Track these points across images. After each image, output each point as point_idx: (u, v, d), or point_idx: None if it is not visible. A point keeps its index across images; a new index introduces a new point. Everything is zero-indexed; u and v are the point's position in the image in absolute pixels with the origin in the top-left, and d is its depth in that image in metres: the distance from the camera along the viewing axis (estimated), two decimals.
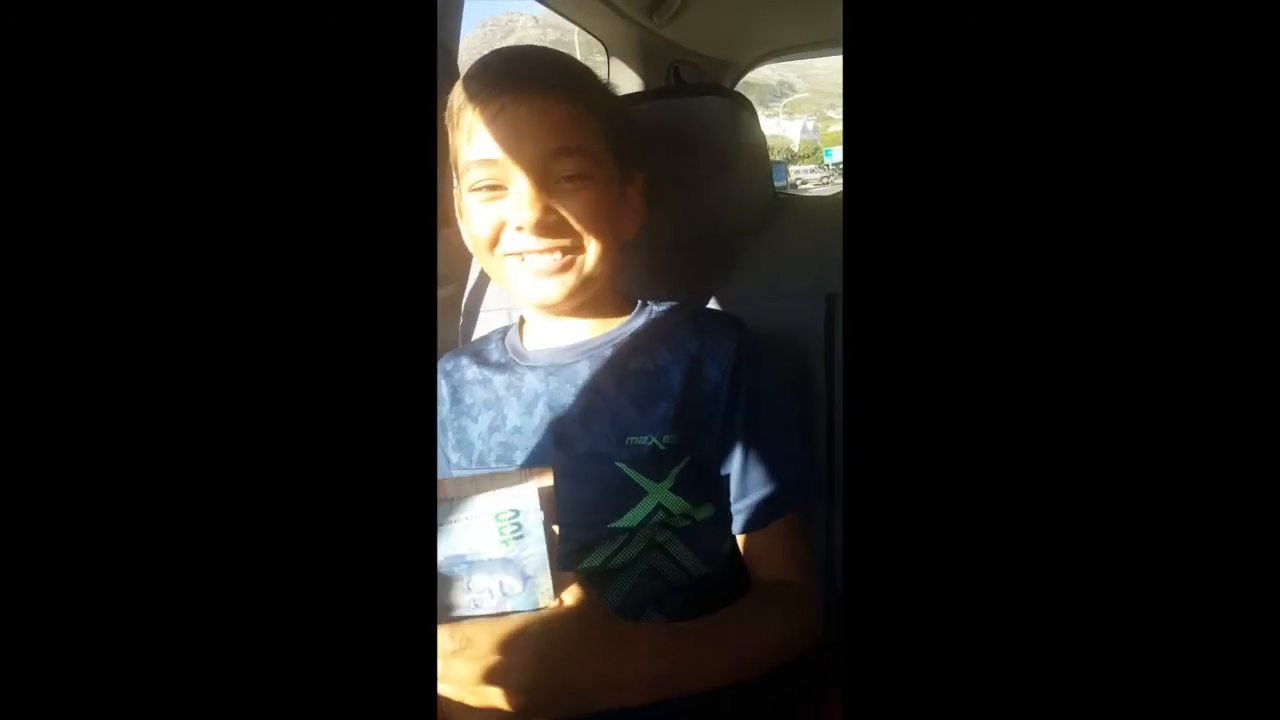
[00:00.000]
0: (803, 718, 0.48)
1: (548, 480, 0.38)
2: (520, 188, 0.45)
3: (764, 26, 1.42)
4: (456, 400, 0.54)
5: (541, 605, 0.37)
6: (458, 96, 0.47)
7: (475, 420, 0.53)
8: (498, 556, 0.36)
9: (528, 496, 0.37)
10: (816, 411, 0.58)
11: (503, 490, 0.37)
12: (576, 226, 0.47)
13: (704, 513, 0.49)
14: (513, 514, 0.36)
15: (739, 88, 1.63)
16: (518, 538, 0.36)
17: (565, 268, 0.48)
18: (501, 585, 0.37)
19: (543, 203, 0.45)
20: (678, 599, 0.48)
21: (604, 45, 1.23)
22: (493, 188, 0.46)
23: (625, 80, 1.26)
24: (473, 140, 0.46)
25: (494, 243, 0.48)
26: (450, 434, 0.54)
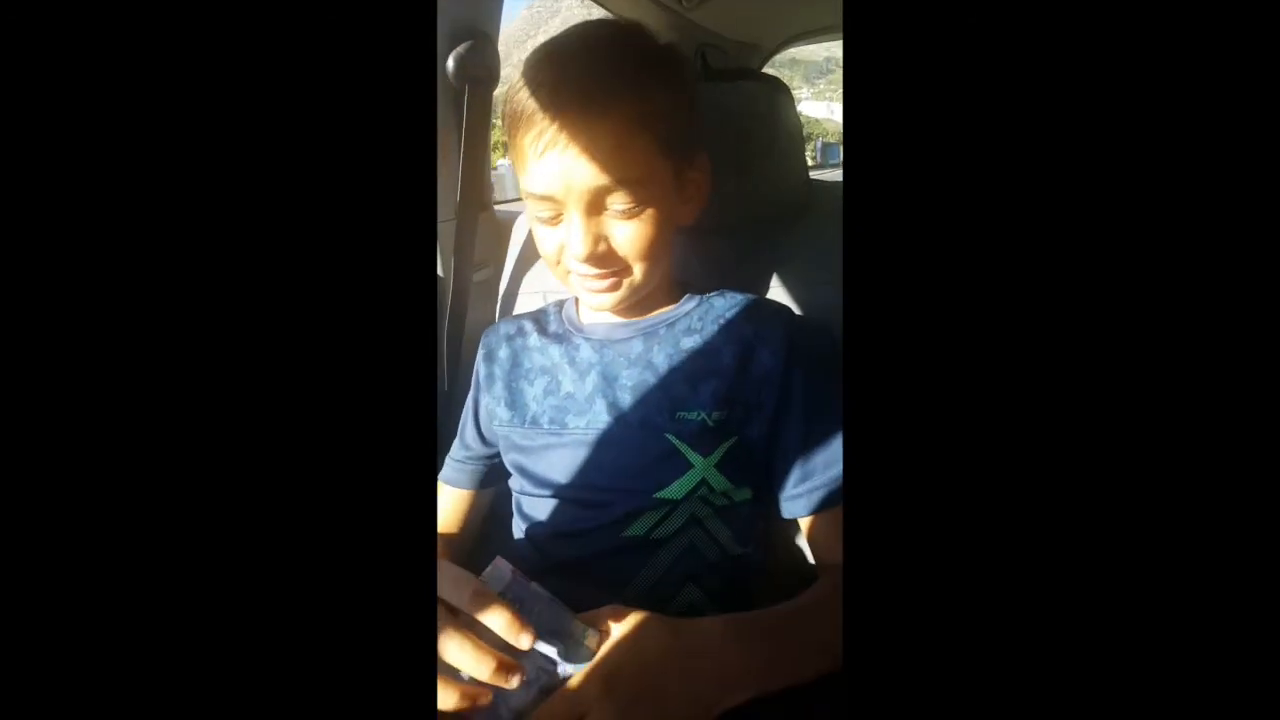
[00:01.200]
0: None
1: (502, 563, 0.39)
2: (574, 221, 0.46)
3: (791, 9, 1.41)
4: (516, 363, 0.57)
5: (592, 649, 0.38)
6: (514, 102, 0.47)
7: (531, 383, 0.55)
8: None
9: (498, 570, 0.38)
10: None
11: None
12: (627, 254, 0.48)
13: (742, 495, 0.51)
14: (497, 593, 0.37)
15: (778, 66, 1.62)
16: (519, 609, 0.37)
17: (614, 287, 0.50)
18: (542, 661, 0.37)
19: (593, 235, 0.46)
20: (714, 577, 0.50)
21: None
22: (552, 217, 0.48)
23: None
24: (528, 169, 0.46)
25: (556, 261, 0.50)
26: (502, 391, 0.56)
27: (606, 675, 0.37)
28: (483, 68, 0.68)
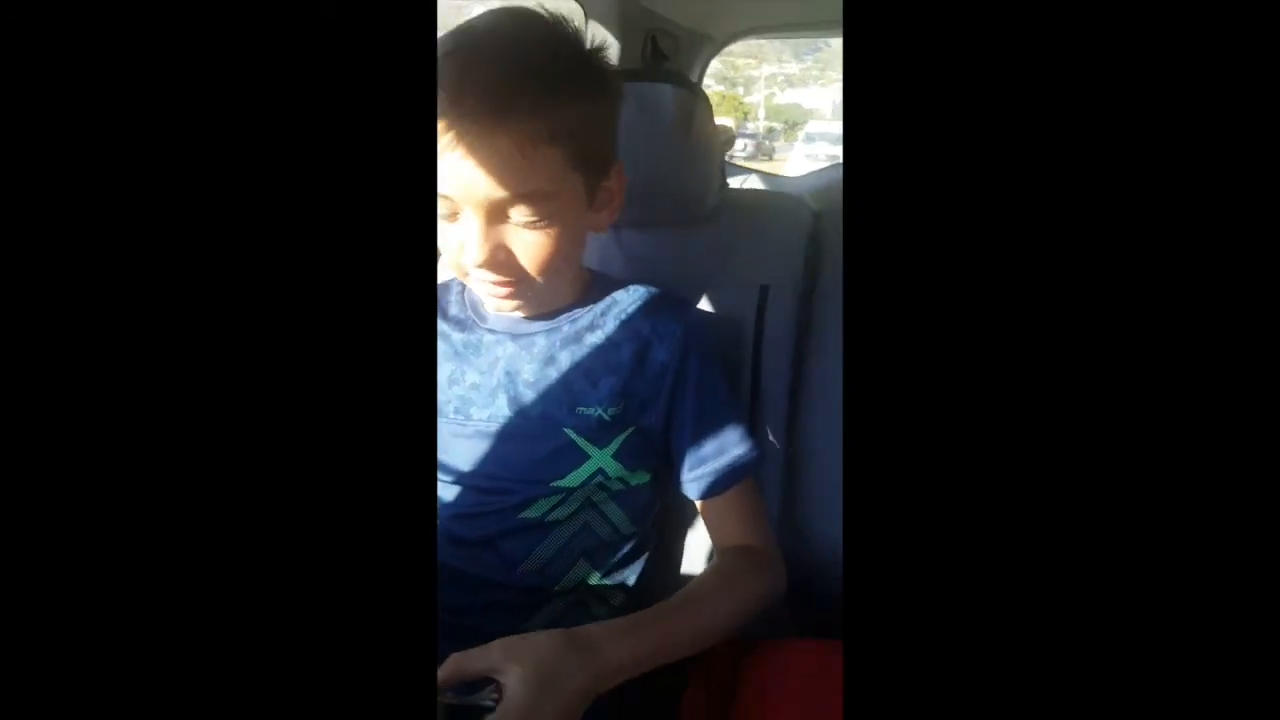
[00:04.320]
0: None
1: None
2: (471, 227, 0.44)
3: (746, 2, 1.42)
4: None
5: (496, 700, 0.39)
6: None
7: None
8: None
9: None
10: (742, 387, 0.64)
11: None
12: (528, 264, 0.47)
13: (639, 479, 0.55)
14: None
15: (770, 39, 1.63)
16: None
17: (513, 295, 0.49)
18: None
19: (492, 243, 0.45)
20: (606, 553, 0.54)
21: (582, 9, 1.22)
22: (450, 214, 0.46)
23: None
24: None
25: (454, 259, 0.48)
26: None
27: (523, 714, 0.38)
28: None
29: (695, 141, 0.63)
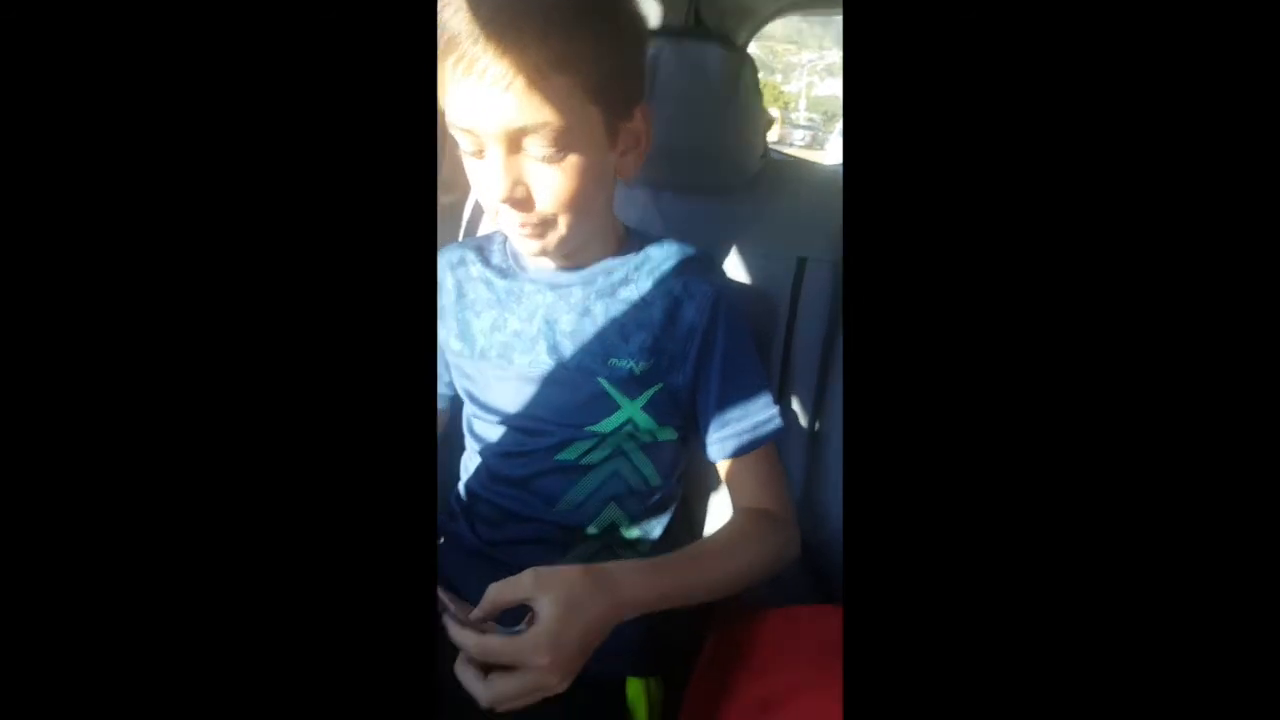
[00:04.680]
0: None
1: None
2: (492, 159, 0.45)
3: None
4: (461, 294, 0.58)
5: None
6: (444, 21, 0.43)
7: (478, 315, 0.58)
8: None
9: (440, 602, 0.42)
10: (774, 358, 0.64)
11: None
12: (547, 202, 0.47)
13: (666, 434, 0.57)
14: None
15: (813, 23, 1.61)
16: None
17: (538, 236, 0.49)
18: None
19: (511, 177, 0.45)
20: (635, 502, 0.57)
21: None
22: (475, 150, 0.46)
23: (646, 8, 1.26)
24: (448, 96, 0.45)
25: (484, 197, 0.49)
26: (453, 323, 0.59)
27: (551, 641, 0.40)
28: None
29: (741, 104, 0.63)
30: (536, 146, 0.44)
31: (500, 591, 0.42)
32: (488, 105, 0.43)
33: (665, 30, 0.72)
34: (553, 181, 0.46)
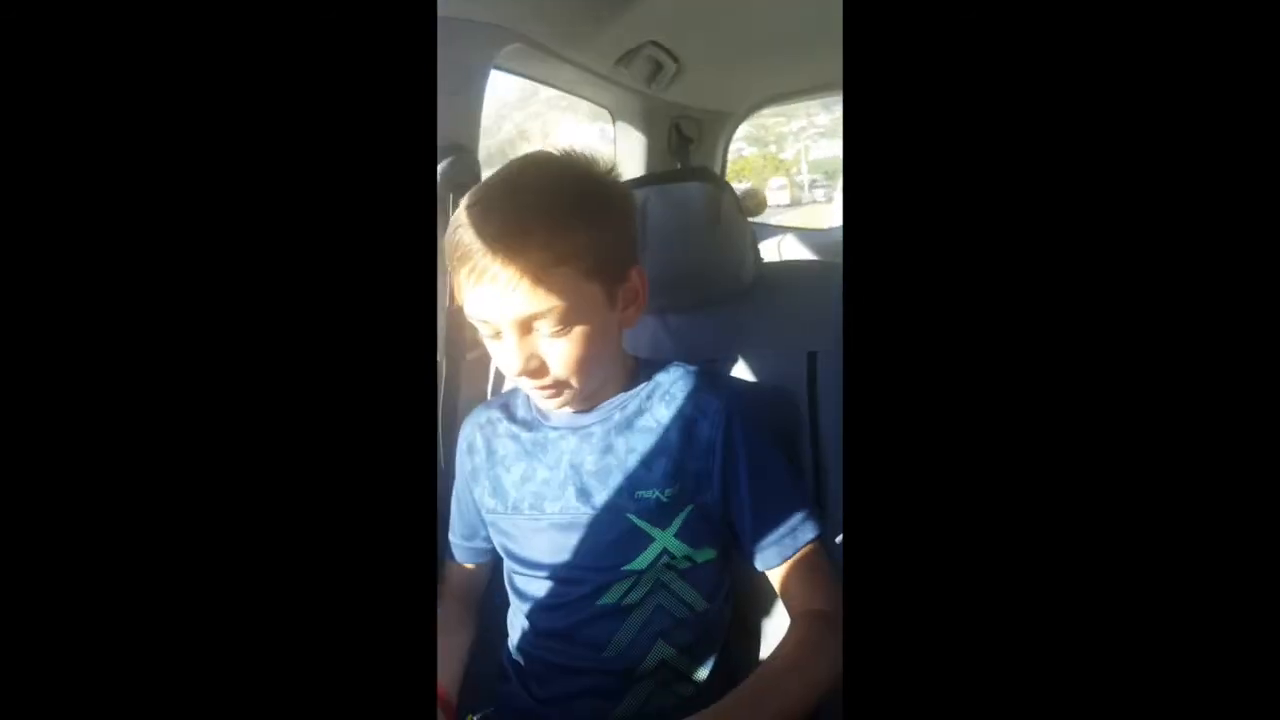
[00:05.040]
0: None
1: None
2: (508, 341, 0.51)
3: (760, 77, 1.50)
4: (491, 451, 0.62)
5: None
6: (451, 237, 0.51)
7: (508, 470, 0.60)
8: None
9: None
10: (803, 455, 0.65)
11: None
12: (559, 369, 0.52)
13: (704, 555, 0.56)
14: None
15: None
16: None
17: (556, 394, 0.54)
18: None
19: (525, 354, 0.51)
20: (683, 632, 0.55)
21: (609, 112, 1.33)
22: (493, 334, 0.53)
23: (630, 140, 1.36)
24: (465, 296, 0.52)
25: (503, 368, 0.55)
26: (485, 481, 0.62)
27: None
28: (465, 175, 0.76)
29: (725, 229, 0.67)
30: (546, 326, 0.50)
31: None
32: (499, 303, 0.49)
33: (649, 179, 0.78)
34: (563, 351, 0.51)
